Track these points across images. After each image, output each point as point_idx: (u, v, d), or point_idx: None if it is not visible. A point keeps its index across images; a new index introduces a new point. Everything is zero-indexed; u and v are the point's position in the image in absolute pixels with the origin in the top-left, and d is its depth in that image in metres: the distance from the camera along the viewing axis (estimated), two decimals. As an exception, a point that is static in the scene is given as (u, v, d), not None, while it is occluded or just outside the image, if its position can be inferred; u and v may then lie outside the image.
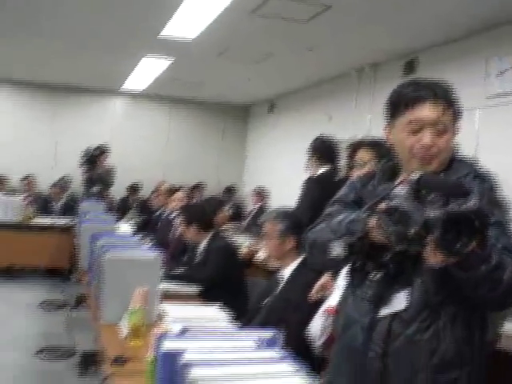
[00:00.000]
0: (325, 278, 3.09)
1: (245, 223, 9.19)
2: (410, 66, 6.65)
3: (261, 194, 10.26)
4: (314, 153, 5.02)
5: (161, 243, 6.50)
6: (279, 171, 9.78)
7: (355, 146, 3.35)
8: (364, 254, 1.83)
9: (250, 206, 10.66)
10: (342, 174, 5.07)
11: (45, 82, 10.94)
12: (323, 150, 5.01)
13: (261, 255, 5.92)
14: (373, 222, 1.76)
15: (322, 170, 4.93)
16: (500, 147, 5.07)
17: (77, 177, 9.77)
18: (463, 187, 1.71)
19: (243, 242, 6.90)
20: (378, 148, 2.98)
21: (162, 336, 1.70)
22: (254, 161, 11.98)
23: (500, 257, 1.72)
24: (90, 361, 4.64)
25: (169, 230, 6.76)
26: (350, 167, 3.36)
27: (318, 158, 4.97)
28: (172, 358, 1.52)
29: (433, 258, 1.62)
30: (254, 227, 7.73)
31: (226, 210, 7.19)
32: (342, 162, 5.55)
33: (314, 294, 3.18)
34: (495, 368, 3.05)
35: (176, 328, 2.08)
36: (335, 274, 2.94)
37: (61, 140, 11.18)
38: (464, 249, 1.56)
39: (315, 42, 6.57)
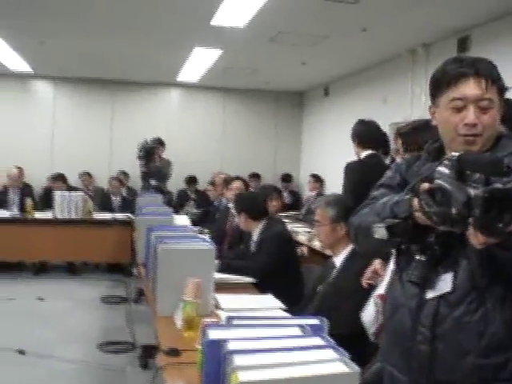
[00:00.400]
0: (377, 264, 3.05)
1: (302, 211, 9.17)
2: (462, 45, 6.51)
3: (317, 181, 10.22)
4: (354, 137, 4.90)
5: (219, 234, 6.56)
6: (336, 156, 9.64)
7: (399, 132, 3.31)
8: (408, 236, 1.79)
9: (307, 193, 10.64)
10: (390, 158, 5.00)
11: (100, 78, 11.13)
12: (363, 134, 4.88)
13: (317, 242, 5.90)
14: (416, 202, 1.73)
15: (364, 155, 4.81)
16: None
17: (134, 170, 9.85)
18: (503, 165, 1.65)
19: (300, 230, 6.89)
20: (420, 133, 2.92)
21: (208, 325, 1.71)
22: (310, 147, 11.89)
23: None
24: (149, 353, 4.71)
25: (226, 221, 6.79)
26: (397, 151, 3.31)
27: (359, 142, 4.85)
28: (216, 346, 1.53)
29: (475, 238, 1.58)
30: (312, 214, 7.70)
31: (282, 198, 7.17)
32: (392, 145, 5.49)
33: (365, 279, 3.16)
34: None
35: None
36: (388, 260, 2.90)
37: (117, 135, 11.36)
38: (506, 228, 1.51)
39: (368, 22, 6.49)
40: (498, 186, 1.55)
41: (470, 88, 1.87)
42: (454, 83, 1.90)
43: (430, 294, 1.90)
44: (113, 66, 10.01)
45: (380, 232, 1.80)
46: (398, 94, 8.09)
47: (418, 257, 1.88)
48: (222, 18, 6.49)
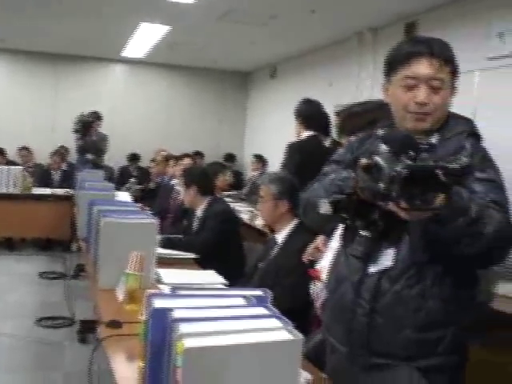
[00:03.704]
0: (319, 240, 3.08)
1: (245, 190, 9.19)
2: (410, 30, 6.58)
3: (260, 162, 10.26)
4: (297, 116, 4.90)
5: (161, 211, 6.53)
6: (280, 138, 9.62)
7: (341, 113, 3.34)
8: (352, 212, 1.82)
9: (250, 173, 10.66)
10: (331, 140, 5.04)
11: (43, 51, 10.84)
12: (306, 113, 4.88)
13: (260, 221, 5.93)
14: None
15: (305, 135, 4.83)
16: (499, 110, 5.03)
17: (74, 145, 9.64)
18: (415, 142, 1.69)
19: (242, 210, 6.92)
20: (355, 118, 2.96)
21: (153, 295, 1.70)
22: (254, 128, 11.90)
23: (482, 210, 1.71)
24: (88, 328, 4.67)
25: (169, 198, 6.76)
26: (339, 133, 3.34)
27: (301, 121, 4.86)
28: (162, 315, 1.52)
29: (403, 213, 1.62)
30: (254, 194, 7.73)
31: (228, 176, 7.18)
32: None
33: (307, 255, 3.20)
34: (488, 328, 3.08)
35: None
36: (329, 237, 2.94)
37: (60, 110, 11.06)
38: (427, 205, 1.54)
39: (317, 4, 6.49)
40: (424, 162, 1.58)
41: (422, 67, 1.90)
42: (407, 62, 1.92)
43: (372, 269, 1.94)
44: (56, 40, 9.72)
45: (325, 207, 1.81)
46: (344, 78, 8.14)
47: (362, 232, 1.91)
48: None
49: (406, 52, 1.94)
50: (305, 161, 4.32)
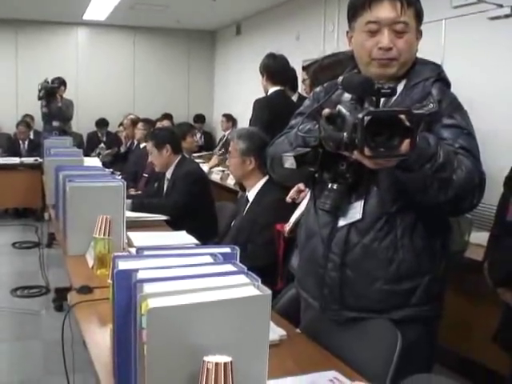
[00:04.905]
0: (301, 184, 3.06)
1: (215, 151, 9.11)
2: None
3: (229, 121, 10.18)
4: (263, 71, 4.82)
5: (133, 174, 6.47)
6: (249, 95, 9.52)
7: (311, 66, 3.29)
8: (318, 164, 1.78)
9: (221, 133, 10.59)
10: (297, 95, 4.98)
11: (2, 18, 10.47)
12: (272, 68, 4.79)
13: (230, 181, 5.90)
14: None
15: (271, 90, 4.76)
16: (466, 58, 5.00)
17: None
18: (373, 85, 1.64)
19: (213, 170, 6.89)
20: (327, 72, 2.91)
21: (118, 257, 1.66)
22: (223, 87, 11.74)
23: (451, 156, 1.68)
24: (63, 296, 4.63)
25: (140, 160, 6.68)
26: (312, 87, 3.30)
27: (267, 76, 4.79)
28: (126, 276, 1.49)
29: (367, 162, 1.58)
30: (225, 154, 7.68)
31: (197, 137, 7.12)
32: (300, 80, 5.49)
33: (289, 196, 3.20)
34: (462, 277, 3.11)
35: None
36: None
37: (23, 77, 10.75)
38: (391, 152, 1.51)
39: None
40: (383, 108, 1.55)
41: (384, 11, 1.83)
42: (369, 6, 1.85)
43: (341, 222, 1.91)
44: (15, 4, 9.42)
45: (289, 161, 1.78)
46: (310, 31, 8.01)
47: (330, 185, 1.87)
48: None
49: None
50: (273, 116, 4.28)
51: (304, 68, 5.30)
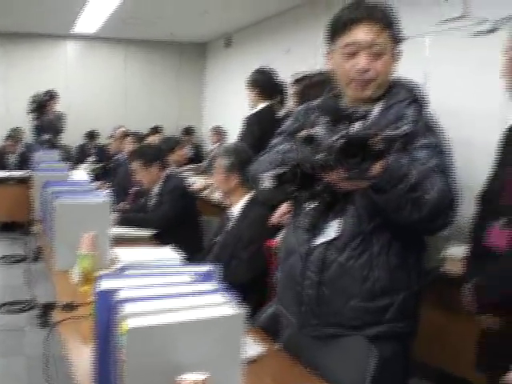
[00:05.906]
0: (286, 205, 3.08)
1: (204, 163, 9.14)
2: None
3: (219, 133, 10.19)
4: (252, 88, 4.83)
5: (121, 188, 6.47)
6: (239, 108, 9.56)
7: (301, 82, 3.34)
8: (296, 184, 1.82)
9: (210, 146, 10.60)
10: (288, 109, 4.99)
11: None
12: (260, 84, 4.81)
13: (218, 195, 5.91)
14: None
15: (261, 106, 4.76)
16: (450, 73, 5.06)
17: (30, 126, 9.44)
18: (346, 110, 1.70)
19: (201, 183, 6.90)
20: (312, 90, 2.96)
21: (101, 276, 1.70)
22: (213, 99, 11.76)
23: (424, 176, 1.73)
24: (48, 311, 4.64)
25: (130, 174, 6.68)
26: (300, 103, 3.34)
27: (257, 92, 4.79)
28: (107, 296, 1.53)
29: (342, 184, 1.63)
30: (210, 169, 7.69)
31: (185, 151, 7.13)
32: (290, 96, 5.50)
33: (274, 218, 3.22)
34: (438, 292, 3.14)
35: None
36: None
37: (13, 91, 10.71)
38: (363, 174, 1.56)
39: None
40: (358, 132, 1.59)
41: (361, 33, 1.88)
42: (348, 28, 1.90)
43: (318, 241, 1.94)
44: (3, 18, 9.44)
45: (267, 181, 1.81)
46: (301, 44, 8.04)
47: (308, 204, 1.92)
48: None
49: (346, 18, 1.91)
50: (263, 132, 4.29)
51: (295, 82, 5.33)
